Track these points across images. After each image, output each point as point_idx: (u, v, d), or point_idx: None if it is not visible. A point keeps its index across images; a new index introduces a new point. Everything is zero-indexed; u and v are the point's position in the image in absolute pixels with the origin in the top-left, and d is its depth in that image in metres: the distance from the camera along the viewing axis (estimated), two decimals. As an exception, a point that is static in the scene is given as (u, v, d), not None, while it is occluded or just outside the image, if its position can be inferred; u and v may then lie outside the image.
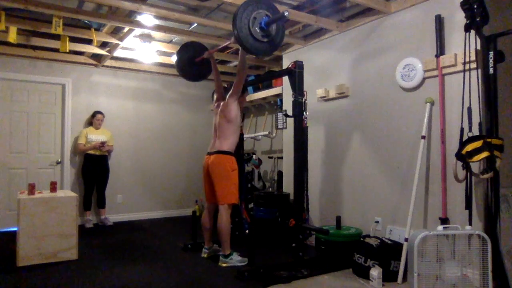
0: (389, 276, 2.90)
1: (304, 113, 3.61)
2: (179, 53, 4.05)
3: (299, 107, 3.46)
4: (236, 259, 3.41)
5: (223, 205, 3.45)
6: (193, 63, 4.04)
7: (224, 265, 3.39)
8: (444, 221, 2.98)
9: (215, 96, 3.93)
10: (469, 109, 2.72)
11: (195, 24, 4.21)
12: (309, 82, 4.21)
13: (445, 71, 3.06)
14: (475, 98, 2.76)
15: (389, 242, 3.09)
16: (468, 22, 2.73)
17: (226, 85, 4.08)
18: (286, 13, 2.78)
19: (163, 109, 6.25)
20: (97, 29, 4.39)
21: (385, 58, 3.61)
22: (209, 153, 3.60)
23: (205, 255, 3.68)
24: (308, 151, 4.07)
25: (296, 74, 3.44)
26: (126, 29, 4.23)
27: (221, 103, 3.66)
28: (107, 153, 5.49)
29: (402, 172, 3.42)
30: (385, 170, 3.58)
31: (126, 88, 5.93)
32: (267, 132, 5.60)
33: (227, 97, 3.58)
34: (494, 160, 2.58)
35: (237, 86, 3.53)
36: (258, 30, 2.87)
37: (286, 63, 4.86)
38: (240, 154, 4.43)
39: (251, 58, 5.36)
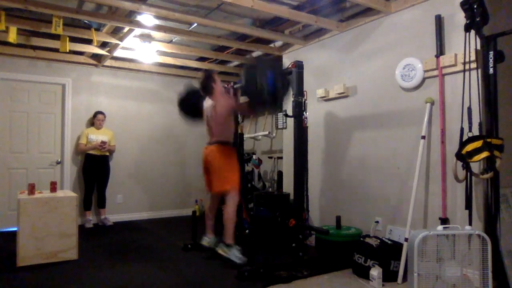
0: (389, 276, 2.91)
1: (304, 113, 3.61)
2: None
3: (299, 107, 3.46)
4: (234, 253, 3.40)
5: (229, 194, 3.47)
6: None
7: (220, 251, 3.38)
8: (444, 221, 2.98)
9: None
10: (469, 109, 2.73)
11: (195, 24, 4.21)
12: (309, 82, 4.21)
13: (445, 71, 3.06)
14: (475, 98, 2.76)
15: (389, 242, 3.09)
16: (468, 22, 2.73)
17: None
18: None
19: (163, 109, 6.24)
20: (97, 29, 4.38)
21: (385, 58, 3.61)
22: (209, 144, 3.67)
23: (205, 243, 3.68)
24: (308, 151, 4.07)
25: (296, 74, 3.44)
26: (126, 29, 4.23)
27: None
28: (109, 153, 5.49)
29: (402, 172, 3.42)
30: (385, 170, 3.58)
31: (126, 88, 5.93)
32: (267, 132, 5.61)
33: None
34: (494, 160, 2.58)
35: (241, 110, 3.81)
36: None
37: (286, 63, 4.85)
38: (240, 154, 4.42)
39: (250, 58, 5.36)
